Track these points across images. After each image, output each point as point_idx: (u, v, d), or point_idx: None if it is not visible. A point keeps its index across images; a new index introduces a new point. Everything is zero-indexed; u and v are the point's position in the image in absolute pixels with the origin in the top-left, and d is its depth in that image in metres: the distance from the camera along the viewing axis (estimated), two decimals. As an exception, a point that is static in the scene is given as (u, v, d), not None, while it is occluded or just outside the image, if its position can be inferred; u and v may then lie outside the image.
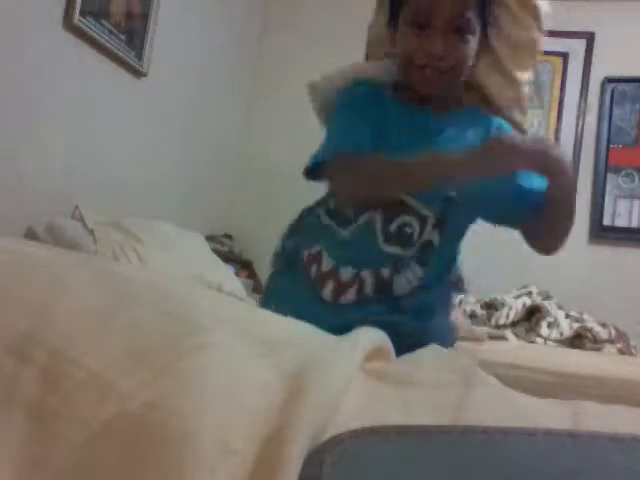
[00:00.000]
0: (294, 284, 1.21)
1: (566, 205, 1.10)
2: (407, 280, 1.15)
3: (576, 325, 2.46)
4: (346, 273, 1.14)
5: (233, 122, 3.52)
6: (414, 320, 1.19)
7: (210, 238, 3.12)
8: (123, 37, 2.38)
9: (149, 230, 2.31)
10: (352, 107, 1.18)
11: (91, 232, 2.04)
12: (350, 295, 1.14)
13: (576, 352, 2.28)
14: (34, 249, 0.70)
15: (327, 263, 1.16)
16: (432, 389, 0.57)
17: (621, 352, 2.40)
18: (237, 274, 3.07)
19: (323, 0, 3.60)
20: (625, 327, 2.52)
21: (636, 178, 3.17)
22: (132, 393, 0.43)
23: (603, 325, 2.46)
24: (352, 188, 1.16)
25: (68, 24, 2.07)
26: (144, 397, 0.43)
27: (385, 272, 1.14)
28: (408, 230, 1.14)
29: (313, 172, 1.19)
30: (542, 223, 1.15)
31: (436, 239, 1.16)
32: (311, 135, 3.97)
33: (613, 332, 2.45)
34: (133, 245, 2.12)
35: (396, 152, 1.11)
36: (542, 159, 0.99)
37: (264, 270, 3.31)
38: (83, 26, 2.13)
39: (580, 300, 2.72)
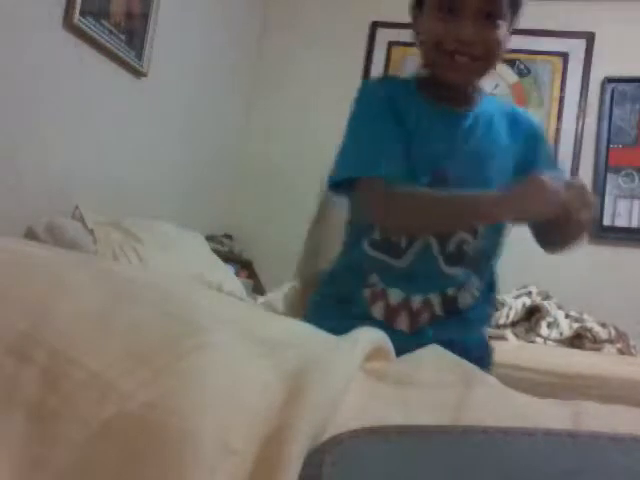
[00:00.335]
0: (354, 324, 1.14)
1: (579, 236, 1.09)
2: (470, 294, 1.15)
3: (576, 325, 2.46)
4: (416, 301, 1.13)
5: (233, 122, 3.52)
6: (478, 332, 1.21)
7: (210, 238, 3.12)
8: (123, 37, 2.37)
9: (149, 230, 2.31)
10: (379, 109, 1.11)
11: (91, 232, 2.04)
12: (423, 320, 1.13)
13: (576, 352, 2.28)
14: (34, 249, 0.70)
15: (395, 296, 1.13)
16: (432, 389, 0.57)
17: (621, 352, 2.40)
18: (237, 274, 3.07)
19: (323, 0, 3.60)
20: (625, 327, 2.52)
21: (636, 178, 3.17)
22: (132, 393, 0.43)
23: (603, 325, 2.46)
24: (394, 221, 1.11)
25: (68, 24, 2.07)
26: (144, 397, 0.43)
27: (450, 290, 1.14)
28: (466, 247, 1.12)
29: (337, 183, 1.13)
30: (550, 234, 1.13)
31: (486, 246, 1.15)
32: (311, 135, 3.96)
33: (613, 332, 2.45)
34: (133, 245, 2.12)
35: (419, 151, 1.08)
36: (573, 211, 0.97)
37: (264, 270, 3.31)
38: (83, 26, 2.12)
39: (580, 300, 2.72)
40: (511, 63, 3.30)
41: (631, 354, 2.41)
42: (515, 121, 1.19)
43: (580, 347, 2.38)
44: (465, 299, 1.15)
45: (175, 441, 0.40)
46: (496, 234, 1.18)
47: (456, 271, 1.12)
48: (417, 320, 1.13)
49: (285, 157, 3.51)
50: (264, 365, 0.49)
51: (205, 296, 0.72)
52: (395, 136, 1.09)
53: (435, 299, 1.13)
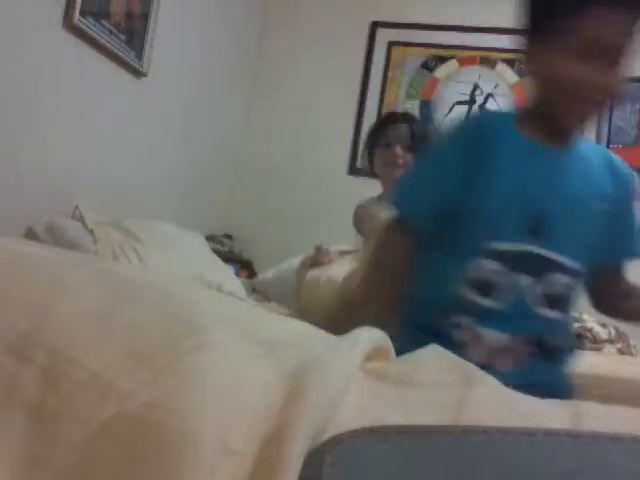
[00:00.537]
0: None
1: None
2: (562, 336, 1.17)
3: (576, 325, 2.46)
4: (515, 342, 1.11)
5: (233, 122, 3.51)
6: (564, 373, 1.21)
7: (210, 238, 3.12)
8: (123, 37, 2.37)
9: (149, 230, 2.30)
10: (444, 157, 1.14)
11: (91, 232, 2.04)
12: (523, 359, 1.11)
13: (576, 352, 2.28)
14: (34, 249, 0.70)
15: (493, 339, 1.10)
16: (432, 389, 0.57)
17: (621, 352, 2.39)
18: (237, 274, 3.07)
19: (323, 0, 3.60)
20: (625, 327, 2.52)
21: (636, 178, 3.17)
22: (132, 393, 0.43)
23: (603, 325, 2.45)
24: None
25: (68, 24, 2.07)
26: (144, 397, 0.43)
27: (543, 333, 1.13)
28: (559, 290, 1.12)
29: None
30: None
31: (577, 291, 1.18)
32: (311, 135, 3.95)
33: (613, 332, 2.44)
34: (133, 245, 2.12)
35: (514, 188, 1.08)
36: None
37: (264, 270, 3.31)
38: (83, 26, 2.12)
39: (580, 300, 2.72)
40: (511, 63, 3.30)
41: (631, 354, 2.40)
42: (615, 171, 1.19)
43: (580, 347, 2.37)
44: (557, 341, 1.14)
45: (175, 441, 0.40)
46: (581, 276, 1.17)
47: (548, 314, 1.12)
48: (519, 361, 1.11)
49: (285, 157, 3.51)
50: (264, 365, 0.49)
51: (205, 296, 0.72)
52: (438, 188, 1.12)
53: (529, 341, 1.11)
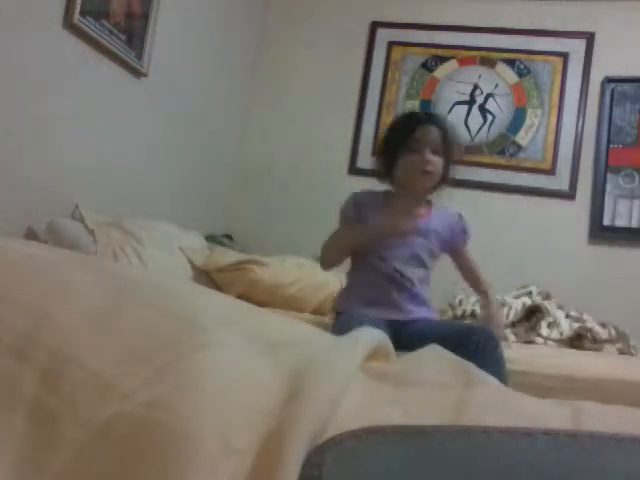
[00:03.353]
0: None
1: None
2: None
3: (576, 325, 2.45)
4: None
5: (233, 122, 3.51)
6: None
7: (210, 238, 3.12)
8: (123, 37, 2.37)
9: (149, 230, 2.30)
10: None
11: (91, 232, 2.04)
12: None
13: (576, 352, 2.28)
14: (34, 249, 0.70)
15: None
16: (432, 389, 0.57)
17: (621, 352, 2.39)
18: (237, 274, 3.06)
19: (323, 1, 3.60)
20: (625, 327, 2.52)
21: (636, 178, 3.16)
22: (132, 393, 0.43)
23: (603, 325, 2.45)
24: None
25: (68, 24, 2.07)
26: (144, 397, 0.43)
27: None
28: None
29: None
30: None
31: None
32: (311, 135, 3.95)
33: (613, 332, 2.44)
34: (133, 245, 2.12)
35: None
36: None
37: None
38: (83, 26, 2.12)
39: (580, 300, 2.72)
40: (511, 63, 3.30)
41: (631, 354, 2.40)
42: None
43: (580, 347, 2.37)
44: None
45: (176, 441, 0.40)
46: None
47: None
48: None
49: (285, 157, 3.51)
50: (264, 365, 0.49)
51: (206, 296, 0.72)
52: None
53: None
